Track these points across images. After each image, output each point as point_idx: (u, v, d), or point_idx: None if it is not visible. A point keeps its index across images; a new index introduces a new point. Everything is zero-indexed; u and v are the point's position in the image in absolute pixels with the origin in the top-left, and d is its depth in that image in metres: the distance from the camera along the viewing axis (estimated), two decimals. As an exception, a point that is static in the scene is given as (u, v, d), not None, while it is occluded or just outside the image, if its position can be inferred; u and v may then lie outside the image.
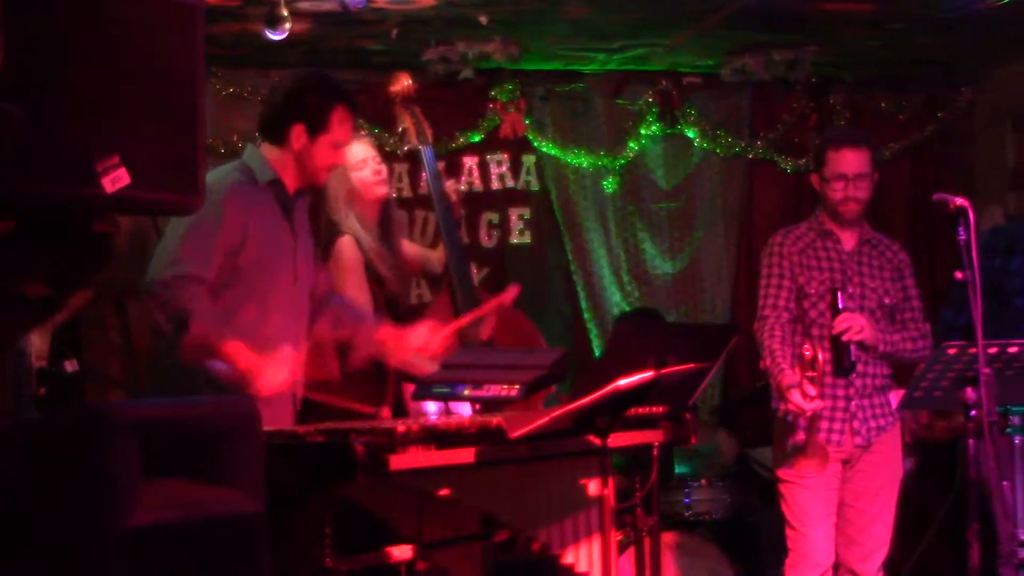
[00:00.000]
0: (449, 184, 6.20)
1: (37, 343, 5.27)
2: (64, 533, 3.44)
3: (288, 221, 5.16)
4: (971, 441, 4.55)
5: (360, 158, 5.93)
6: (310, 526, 4.69)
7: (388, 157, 7.55)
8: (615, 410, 4.72)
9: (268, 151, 5.12)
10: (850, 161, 5.68)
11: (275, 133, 5.12)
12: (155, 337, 7.01)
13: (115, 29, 3.35)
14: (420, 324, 5.45)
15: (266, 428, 4.09)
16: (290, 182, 5.16)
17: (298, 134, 5.06)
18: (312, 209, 5.55)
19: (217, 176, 5.01)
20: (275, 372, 4.99)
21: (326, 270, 5.72)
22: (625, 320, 7.82)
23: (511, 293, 5.96)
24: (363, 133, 6.39)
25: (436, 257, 6.50)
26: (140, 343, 6.91)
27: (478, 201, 8.08)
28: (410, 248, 6.69)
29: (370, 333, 5.41)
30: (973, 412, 4.53)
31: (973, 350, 4.54)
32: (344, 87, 5.27)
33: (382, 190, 6.19)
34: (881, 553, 5.76)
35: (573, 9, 6.85)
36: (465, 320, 5.66)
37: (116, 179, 3.31)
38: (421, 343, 5.36)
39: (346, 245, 5.91)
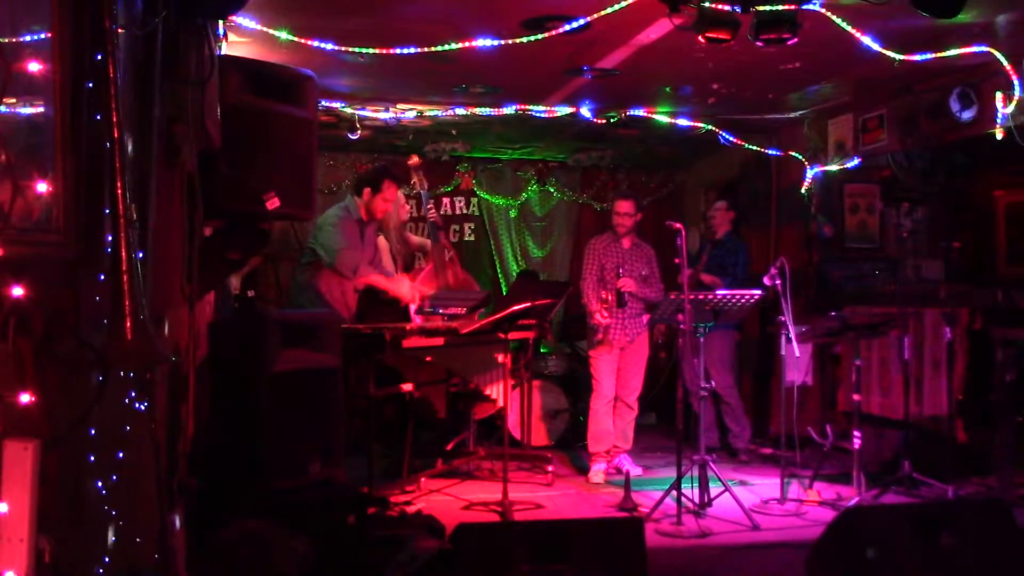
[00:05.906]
0: (432, 213, 6.16)
1: (234, 282, 5.19)
2: (243, 375, 3.42)
3: (362, 238, 5.27)
4: (680, 340, 4.59)
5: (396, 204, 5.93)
6: (362, 374, 4.68)
7: (407, 197, 7.53)
8: (512, 321, 4.74)
9: (356, 199, 5.25)
10: (622, 206, 5.71)
11: (359, 191, 5.28)
12: (291, 279, 6.95)
13: (274, 131, 3.34)
14: (408, 278, 5.52)
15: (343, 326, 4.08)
16: (365, 217, 5.25)
17: (368, 193, 5.15)
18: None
19: (338, 213, 5.21)
20: (403, 286, 5.24)
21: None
22: (519, 275, 7.81)
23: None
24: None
25: (428, 244, 6.48)
26: (285, 283, 6.81)
27: (449, 220, 8.01)
28: (415, 239, 6.65)
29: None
30: (682, 326, 4.57)
31: (683, 296, 4.59)
32: (392, 169, 5.41)
33: (404, 219, 6.33)
34: (637, 392, 5.79)
35: (497, 129, 6.84)
36: (438, 281, 5.64)
37: (273, 203, 3.27)
38: (416, 293, 5.42)
39: (382, 242, 5.91)
